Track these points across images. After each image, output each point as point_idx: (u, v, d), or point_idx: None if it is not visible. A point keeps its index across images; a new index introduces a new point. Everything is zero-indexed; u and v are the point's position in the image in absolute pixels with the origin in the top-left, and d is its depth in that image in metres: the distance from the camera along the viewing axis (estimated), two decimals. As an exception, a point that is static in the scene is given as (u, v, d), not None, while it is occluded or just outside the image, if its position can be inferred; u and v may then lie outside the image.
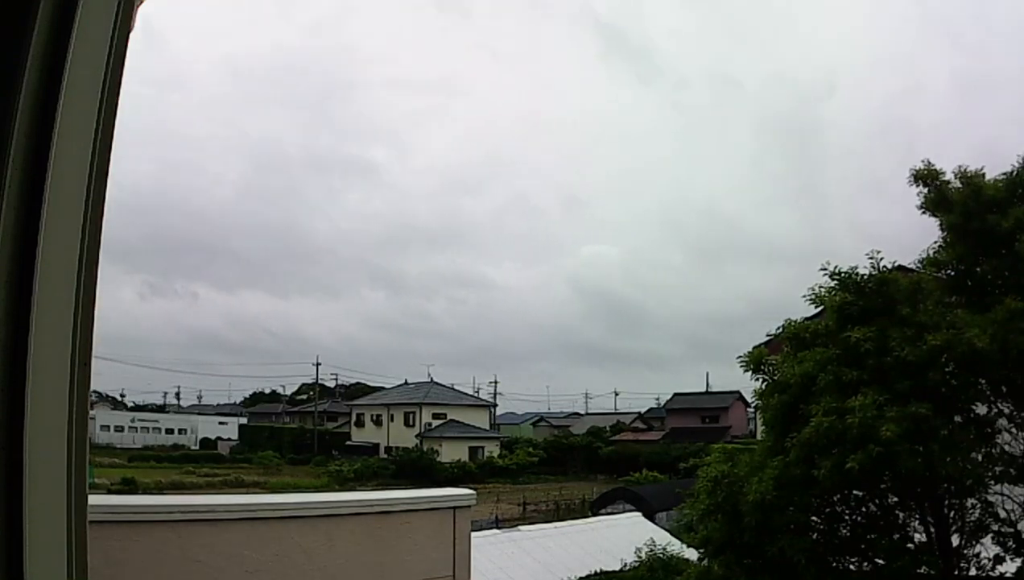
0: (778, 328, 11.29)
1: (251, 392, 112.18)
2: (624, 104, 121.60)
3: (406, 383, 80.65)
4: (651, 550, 17.78)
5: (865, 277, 10.42)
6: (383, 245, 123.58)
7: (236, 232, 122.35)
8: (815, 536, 10.06)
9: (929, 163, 11.26)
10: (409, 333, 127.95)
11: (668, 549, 17.74)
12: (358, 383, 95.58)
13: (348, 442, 75.71)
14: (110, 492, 29.75)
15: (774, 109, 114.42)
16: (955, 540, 10.25)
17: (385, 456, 66.99)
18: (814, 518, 10.27)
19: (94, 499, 2.42)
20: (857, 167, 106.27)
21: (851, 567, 10.11)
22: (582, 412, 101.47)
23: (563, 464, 68.46)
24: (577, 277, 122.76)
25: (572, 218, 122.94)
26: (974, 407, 10.23)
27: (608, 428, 79.89)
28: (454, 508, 4.36)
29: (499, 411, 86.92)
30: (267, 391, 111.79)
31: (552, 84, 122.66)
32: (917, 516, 10.32)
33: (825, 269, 10.69)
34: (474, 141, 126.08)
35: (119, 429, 79.31)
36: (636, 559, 17.79)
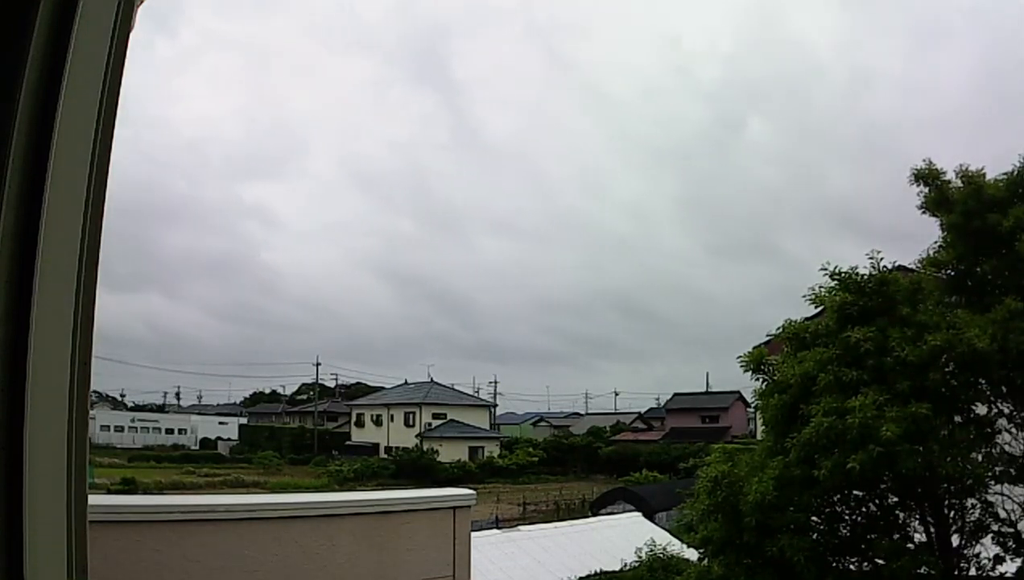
0: (778, 328, 11.29)
1: (251, 392, 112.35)
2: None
3: (406, 383, 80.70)
4: (651, 550, 17.78)
5: (865, 277, 10.42)
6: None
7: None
8: (815, 536, 10.05)
9: (930, 162, 11.27)
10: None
11: (668, 549, 17.75)
12: (358, 383, 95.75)
13: (348, 442, 75.73)
14: (110, 492, 29.76)
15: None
16: (955, 540, 10.25)
17: (385, 456, 66.99)
18: (814, 518, 10.26)
19: (94, 499, 2.42)
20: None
21: (851, 567, 10.11)
22: (582, 412, 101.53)
23: (563, 464, 68.49)
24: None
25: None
26: (974, 407, 10.22)
27: (608, 428, 79.92)
28: (454, 508, 4.37)
29: (499, 411, 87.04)
30: (267, 391, 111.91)
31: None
32: (917, 516, 10.32)
33: (825, 269, 10.69)
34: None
35: (119, 429, 79.38)
36: (636, 559, 17.79)
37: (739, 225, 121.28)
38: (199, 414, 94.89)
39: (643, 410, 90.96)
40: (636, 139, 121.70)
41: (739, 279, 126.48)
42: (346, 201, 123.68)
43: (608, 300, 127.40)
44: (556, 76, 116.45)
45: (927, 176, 11.16)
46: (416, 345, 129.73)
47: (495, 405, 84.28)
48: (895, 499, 10.35)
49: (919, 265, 11.41)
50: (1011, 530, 10.20)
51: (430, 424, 71.55)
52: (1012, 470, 10.11)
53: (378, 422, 75.83)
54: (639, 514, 26.05)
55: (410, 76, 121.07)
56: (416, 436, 69.14)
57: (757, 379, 11.21)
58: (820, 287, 10.69)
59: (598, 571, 18.50)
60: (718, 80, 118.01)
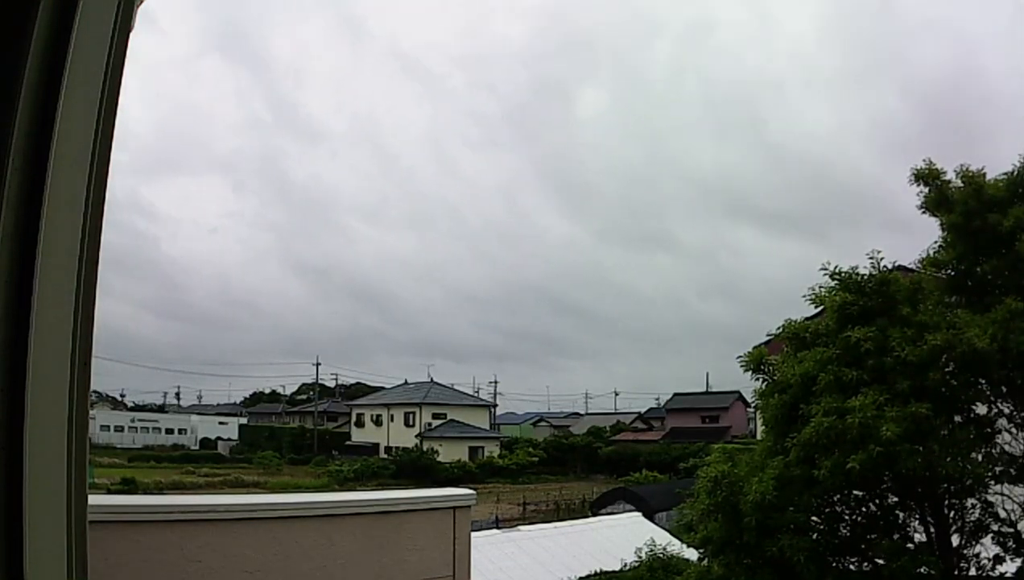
0: (778, 328, 11.29)
1: (251, 392, 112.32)
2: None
3: (406, 383, 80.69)
4: (651, 550, 17.77)
5: (865, 277, 10.42)
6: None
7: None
8: (815, 536, 10.05)
9: (930, 162, 11.27)
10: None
11: (668, 549, 17.73)
12: (358, 383, 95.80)
13: (348, 442, 75.73)
14: (110, 492, 29.78)
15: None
16: (955, 540, 10.24)
17: (385, 456, 66.98)
18: (814, 518, 10.26)
19: (94, 499, 2.43)
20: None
21: (851, 567, 10.11)
22: (582, 412, 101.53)
23: (563, 464, 68.49)
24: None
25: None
26: (974, 407, 10.22)
27: (608, 428, 79.92)
28: (454, 508, 4.36)
29: (499, 411, 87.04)
30: (267, 391, 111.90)
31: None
32: (917, 516, 10.31)
33: (825, 269, 10.69)
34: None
35: (119, 429, 79.34)
36: (636, 559, 17.77)
37: (618, 210, 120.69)
38: (199, 414, 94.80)
39: (643, 410, 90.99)
40: (475, 116, 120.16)
41: (654, 271, 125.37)
42: (238, 196, 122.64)
43: (532, 294, 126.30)
44: (370, 56, 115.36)
45: (927, 176, 11.16)
46: (355, 342, 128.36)
47: (495, 405, 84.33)
48: (895, 499, 10.35)
49: (919, 265, 11.42)
50: (1011, 530, 10.20)
51: (430, 424, 71.54)
52: (1012, 470, 10.11)
53: (378, 422, 75.82)
54: (639, 514, 26.04)
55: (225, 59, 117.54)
56: (416, 436, 69.14)
57: (757, 379, 11.22)
58: (820, 287, 10.70)
59: (598, 571, 18.49)
60: (538, 42, 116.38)
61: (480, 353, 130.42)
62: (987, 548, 10.39)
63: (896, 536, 10.06)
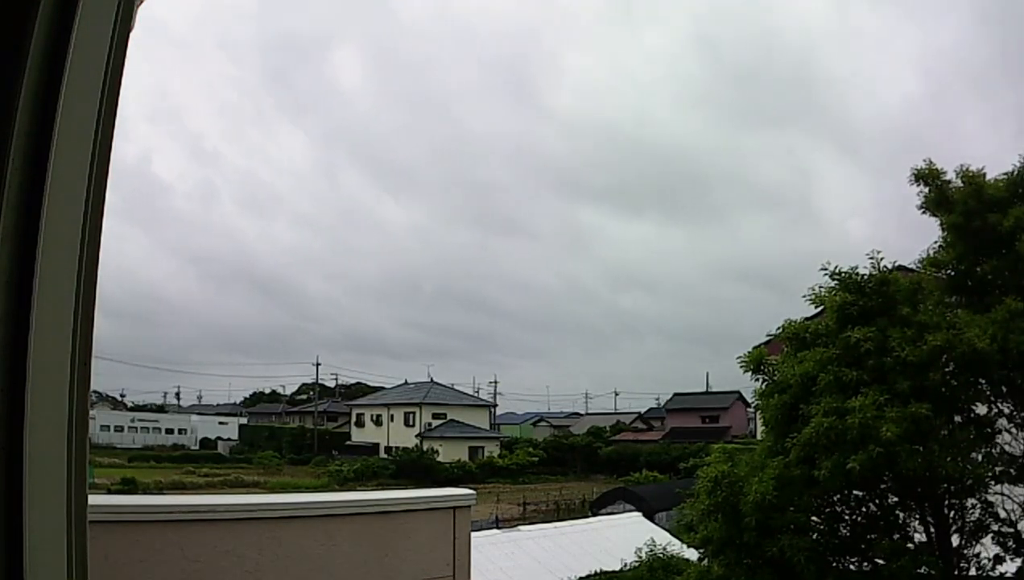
0: (778, 328, 11.29)
1: (251, 392, 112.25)
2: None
3: (406, 383, 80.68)
4: (651, 550, 17.77)
5: (865, 277, 10.42)
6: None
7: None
8: (815, 536, 10.05)
9: (930, 162, 11.27)
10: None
11: (668, 549, 17.74)
12: (358, 383, 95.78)
13: (348, 442, 75.72)
14: (110, 492, 29.79)
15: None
16: (955, 540, 10.25)
17: (385, 456, 66.97)
18: (814, 518, 10.27)
19: (94, 499, 2.42)
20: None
21: (851, 567, 10.12)
22: (582, 412, 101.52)
23: (563, 464, 68.48)
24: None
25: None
26: (974, 407, 10.23)
27: (608, 428, 79.90)
28: (454, 508, 4.36)
29: (499, 411, 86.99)
30: (267, 391, 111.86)
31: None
32: (917, 516, 10.32)
33: (825, 269, 10.70)
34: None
35: (119, 429, 79.37)
36: (636, 559, 17.78)
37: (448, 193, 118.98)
38: (199, 414, 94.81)
39: (643, 410, 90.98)
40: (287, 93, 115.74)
41: (513, 257, 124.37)
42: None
43: (438, 287, 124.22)
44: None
45: (927, 176, 11.16)
46: (277, 337, 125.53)
47: (495, 405, 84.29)
48: (895, 499, 10.35)
49: (919, 265, 11.42)
50: (1011, 530, 10.20)
51: (430, 424, 71.53)
52: (1012, 470, 10.12)
53: (378, 422, 75.82)
54: (639, 514, 26.05)
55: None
56: (416, 436, 69.13)
57: (757, 379, 11.22)
58: (820, 287, 10.70)
59: (598, 571, 18.50)
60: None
61: (412, 349, 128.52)
62: (987, 548, 10.40)
63: (896, 536, 10.07)
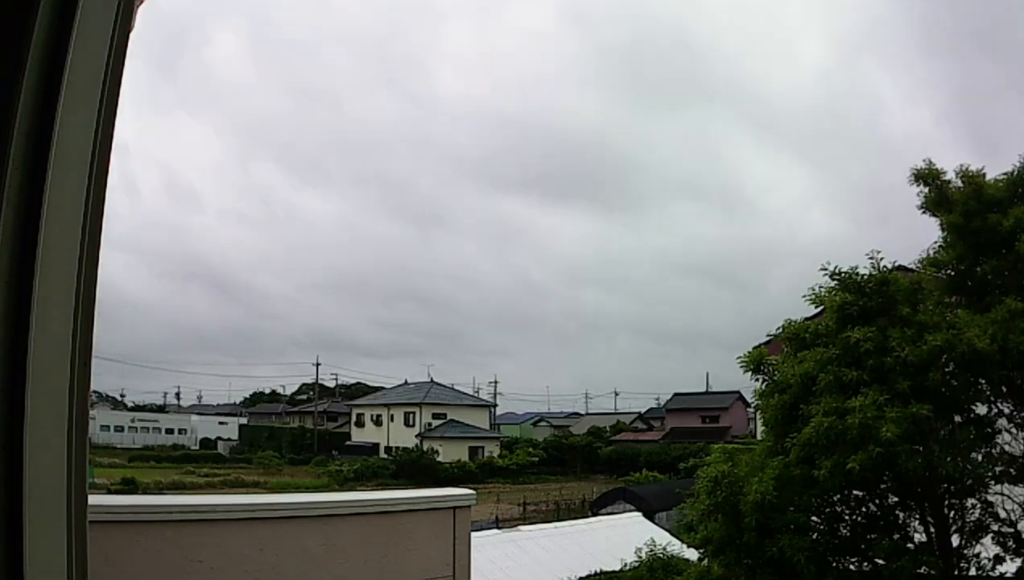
0: (778, 328, 11.29)
1: (251, 392, 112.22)
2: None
3: (406, 383, 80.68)
4: (651, 550, 17.77)
5: (865, 277, 10.42)
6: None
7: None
8: (815, 536, 10.05)
9: (930, 162, 11.27)
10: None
11: (668, 549, 17.74)
12: (358, 383, 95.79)
13: (348, 442, 75.70)
14: (110, 492, 29.79)
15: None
16: (955, 540, 10.24)
17: (385, 456, 66.98)
18: (814, 518, 10.26)
19: (94, 499, 2.43)
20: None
21: (851, 567, 10.11)
22: (582, 412, 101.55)
23: (563, 464, 68.47)
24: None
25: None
26: (974, 407, 10.23)
27: (608, 428, 79.89)
28: (454, 508, 4.36)
29: (499, 411, 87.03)
30: (267, 391, 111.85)
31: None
32: (917, 516, 10.31)
33: (825, 269, 10.70)
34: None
35: (119, 429, 79.41)
36: (636, 559, 17.78)
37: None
38: (199, 414, 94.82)
39: (643, 410, 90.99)
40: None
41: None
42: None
43: (388, 284, 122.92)
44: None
45: (927, 176, 11.16)
46: (242, 335, 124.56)
47: (495, 405, 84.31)
48: (895, 499, 10.35)
49: (919, 265, 11.42)
50: (1011, 530, 10.20)
51: (430, 424, 71.54)
52: (1012, 470, 10.12)
53: (378, 422, 75.82)
54: (639, 514, 26.05)
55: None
56: (416, 436, 69.14)
57: (757, 379, 11.22)
58: (820, 287, 10.70)
59: (598, 571, 18.50)
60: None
61: (385, 348, 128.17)
62: (987, 548, 10.39)
63: (896, 536, 10.06)
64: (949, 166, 11.14)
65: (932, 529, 10.19)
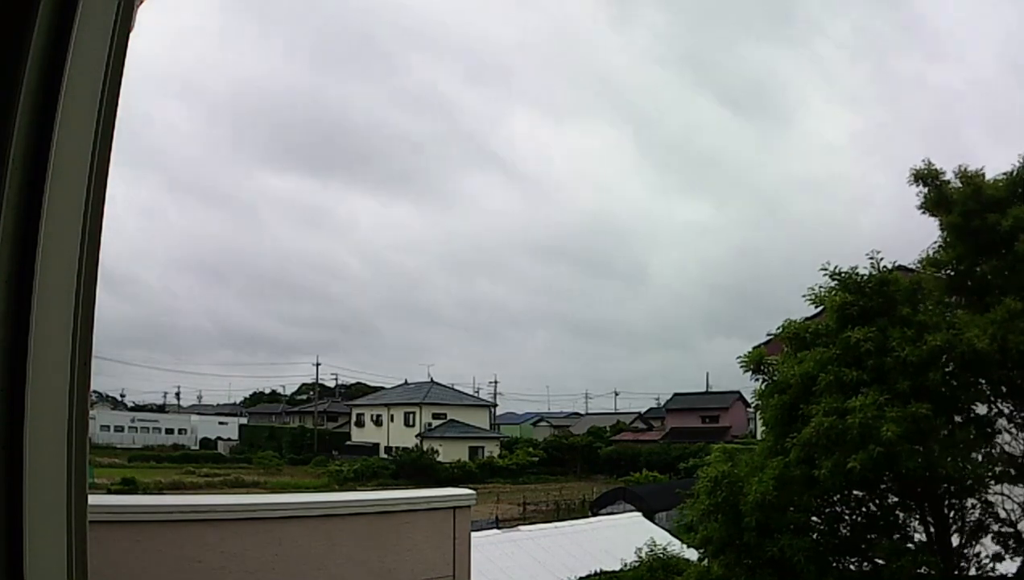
0: (778, 328, 11.29)
1: (251, 392, 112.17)
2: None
3: (406, 383, 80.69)
4: (651, 550, 17.77)
5: (865, 277, 10.43)
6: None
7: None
8: (815, 536, 10.06)
9: (929, 162, 11.27)
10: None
11: (668, 549, 17.73)
12: (358, 383, 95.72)
13: (348, 442, 75.72)
14: (110, 492, 29.77)
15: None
16: (955, 540, 10.25)
17: (385, 456, 66.99)
18: (814, 518, 10.27)
19: (94, 499, 2.43)
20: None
21: (851, 567, 10.12)
22: (582, 412, 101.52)
23: (563, 464, 68.47)
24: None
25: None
26: (974, 407, 10.23)
27: (608, 428, 79.91)
28: (454, 508, 4.37)
29: (499, 411, 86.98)
30: (267, 391, 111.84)
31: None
32: (917, 516, 10.32)
33: (825, 269, 10.70)
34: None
35: (119, 429, 79.40)
36: (636, 559, 17.77)
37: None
38: (199, 414, 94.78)
39: (643, 410, 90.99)
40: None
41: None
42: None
43: (254, 276, 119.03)
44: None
45: (926, 176, 11.16)
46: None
47: (495, 405, 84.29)
48: (895, 499, 10.35)
49: (919, 265, 11.42)
50: (1011, 530, 10.20)
51: (430, 424, 71.53)
52: (1012, 470, 10.12)
53: (378, 422, 75.82)
54: (639, 514, 26.04)
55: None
56: (416, 436, 69.13)
57: (757, 379, 11.22)
58: (820, 287, 10.70)
59: (598, 571, 18.50)
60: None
61: (305, 345, 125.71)
62: (987, 548, 10.40)
63: (896, 536, 10.07)
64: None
65: (932, 529, 10.20)
